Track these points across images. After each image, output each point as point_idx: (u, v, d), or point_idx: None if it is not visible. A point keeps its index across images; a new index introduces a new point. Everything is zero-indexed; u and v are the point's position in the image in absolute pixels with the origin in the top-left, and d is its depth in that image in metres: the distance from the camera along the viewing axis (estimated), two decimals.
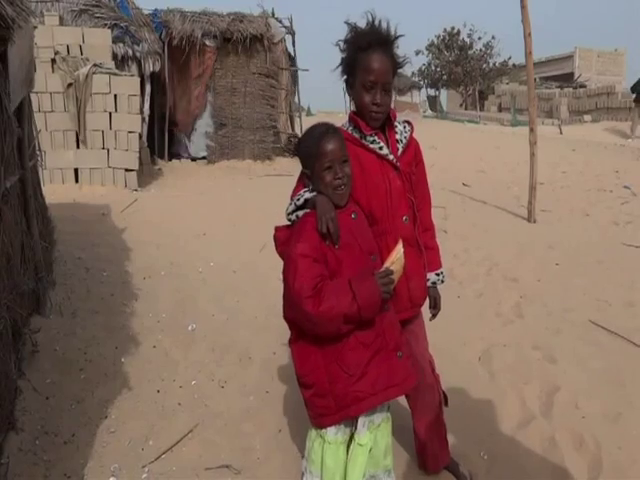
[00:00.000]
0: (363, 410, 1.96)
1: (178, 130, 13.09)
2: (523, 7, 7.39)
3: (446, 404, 2.57)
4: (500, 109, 34.28)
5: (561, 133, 20.27)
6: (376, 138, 2.16)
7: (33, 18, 3.92)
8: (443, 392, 2.54)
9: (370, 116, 2.12)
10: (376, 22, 2.10)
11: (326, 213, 1.91)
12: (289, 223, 2.06)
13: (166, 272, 5.08)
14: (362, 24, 2.12)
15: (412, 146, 2.30)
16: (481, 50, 40.37)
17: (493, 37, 40.03)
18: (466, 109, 39.36)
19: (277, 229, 2.07)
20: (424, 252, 2.34)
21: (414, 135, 2.33)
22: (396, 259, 1.93)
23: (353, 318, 1.85)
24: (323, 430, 2.02)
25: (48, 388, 3.10)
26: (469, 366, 3.64)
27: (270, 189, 9.44)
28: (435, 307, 2.46)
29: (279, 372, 3.54)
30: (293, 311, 1.93)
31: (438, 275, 2.44)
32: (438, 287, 2.46)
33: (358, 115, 2.17)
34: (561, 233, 6.92)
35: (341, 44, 2.14)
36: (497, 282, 5.16)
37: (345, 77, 2.19)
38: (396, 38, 2.12)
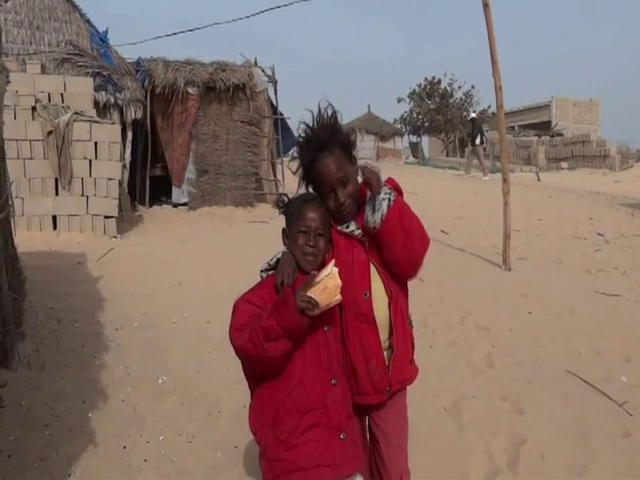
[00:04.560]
0: None
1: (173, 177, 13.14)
2: (493, 62, 7.65)
3: None
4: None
5: (539, 180, 20.66)
6: None
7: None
8: None
9: (340, 213, 2.08)
10: (313, 126, 2.07)
11: (285, 267, 1.97)
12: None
13: (139, 323, 5.05)
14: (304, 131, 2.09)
15: None
16: (461, 99, 41.37)
17: (472, 86, 41.09)
18: (447, 156, 40.00)
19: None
20: None
21: None
22: (325, 276, 1.87)
23: (273, 331, 1.79)
24: None
25: (11, 445, 3.05)
26: (438, 418, 3.64)
27: (250, 236, 9.48)
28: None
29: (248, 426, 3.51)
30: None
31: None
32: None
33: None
34: (535, 281, 7.01)
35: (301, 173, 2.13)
36: (470, 331, 5.19)
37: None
38: (337, 132, 2.08)
